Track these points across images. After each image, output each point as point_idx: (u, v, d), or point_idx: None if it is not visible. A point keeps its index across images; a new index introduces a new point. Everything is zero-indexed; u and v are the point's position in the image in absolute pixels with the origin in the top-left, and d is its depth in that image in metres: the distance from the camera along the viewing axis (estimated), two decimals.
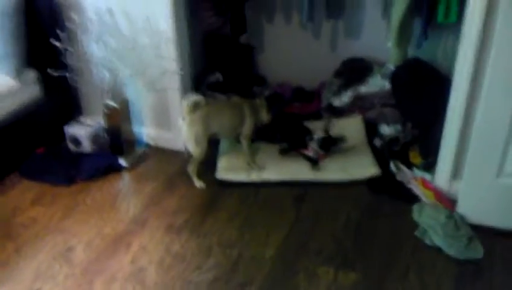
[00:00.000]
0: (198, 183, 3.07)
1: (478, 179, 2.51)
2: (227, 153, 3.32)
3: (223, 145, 3.41)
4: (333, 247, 2.57)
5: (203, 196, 3.01)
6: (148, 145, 3.55)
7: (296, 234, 2.67)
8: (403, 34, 3.03)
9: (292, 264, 2.46)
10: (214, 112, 3.05)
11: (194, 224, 2.77)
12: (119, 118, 3.30)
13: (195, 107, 2.95)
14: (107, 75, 3.19)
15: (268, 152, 3.30)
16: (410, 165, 3.05)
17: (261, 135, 3.32)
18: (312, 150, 3.15)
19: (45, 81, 3.35)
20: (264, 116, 3.20)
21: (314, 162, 3.12)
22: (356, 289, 2.32)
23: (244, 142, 3.19)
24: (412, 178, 2.91)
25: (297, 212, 2.83)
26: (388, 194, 2.89)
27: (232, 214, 2.84)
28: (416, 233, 2.59)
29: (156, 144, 3.54)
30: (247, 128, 3.14)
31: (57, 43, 3.05)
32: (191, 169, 3.07)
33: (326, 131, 3.23)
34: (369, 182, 2.99)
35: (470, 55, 2.46)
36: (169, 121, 3.42)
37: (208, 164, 3.17)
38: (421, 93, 3.06)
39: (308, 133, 3.23)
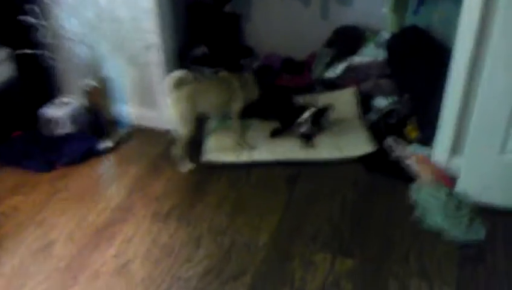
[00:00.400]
0: (185, 167, 2.91)
1: (480, 155, 2.38)
2: (215, 133, 3.15)
3: (210, 124, 3.23)
4: (329, 231, 2.44)
5: (191, 180, 2.86)
6: (131, 125, 3.36)
7: (290, 217, 2.54)
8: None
9: (287, 251, 2.34)
10: (201, 88, 2.86)
11: (182, 211, 2.63)
12: (99, 96, 3.11)
13: (180, 83, 2.75)
14: (84, 51, 2.98)
15: (259, 130, 3.14)
16: (407, 140, 2.91)
17: (252, 112, 3.14)
18: (305, 127, 3.00)
19: (18, 60, 3.12)
20: (254, 92, 3.02)
21: (308, 139, 2.98)
22: (354, 276, 2.20)
23: (234, 120, 3.02)
24: (410, 155, 2.77)
25: (291, 194, 2.69)
26: (385, 173, 2.76)
27: (221, 198, 2.69)
28: (416, 213, 2.48)
29: (140, 123, 3.35)
30: (237, 104, 2.96)
31: (30, 18, 2.83)
32: (177, 150, 2.90)
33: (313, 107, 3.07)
34: (364, 160, 2.85)
35: (473, 22, 2.29)
36: (153, 98, 3.22)
37: (194, 145, 3.00)
38: (419, 63, 2.88)
39: (301, 111, 3.06)
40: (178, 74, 2.77)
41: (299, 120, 3.02)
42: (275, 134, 3.09)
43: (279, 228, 2.48)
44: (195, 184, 2.82)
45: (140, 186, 2.83)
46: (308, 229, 2.46)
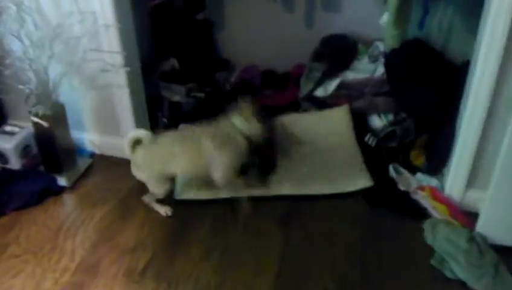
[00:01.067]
0: (163, 210, 2.50)
1: (507, 195, 2.07)
2: None
3: None
4: (335, 285, 2.10)
5: (169, 224, 2.45)
6: (92, 155, 2.91)
7: (289, 271, 2.17)
8: (402, 10, 2.48)
9: None
10: (163, 149, 2.40)
11: (161, 266, 2.21)
12: (52, 126, 2.63)
13: (136, 145, 2.41)
14: (32, 75, 2.49)
15: None
16: (411, 168, 2.59)
17: None
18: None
19: None
20: (255, 132, 2.43)
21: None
22: None
23: (226, 187, 2.47)
24: (417, 188, 2.45)
25: (286, 241, 2.32)
26: (389, 208, 2.43)
27: (207, 249, 2.29)
28: (433, 262, 2.16)
29: (102, 152, 2.91)
30: (217, 172, 2.40)
31: None
32: (148, 200, 2.52)
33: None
34: (365, 193, 2.51)
35: (499, 35, 1.96)
36: (117, 124, 2.79)
37: None
38: (425, 82, 2.55)
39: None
40: (133, 134, 2.42)
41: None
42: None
43: (278, 287, 2.11)
44: (174, 230, 2.41)
45: (108, 235, 2.39)
46: (311, 285, 2.10)
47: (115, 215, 2.50)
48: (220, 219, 2.45)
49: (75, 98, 2.74)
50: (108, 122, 2.81)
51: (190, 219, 2.46)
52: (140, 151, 2.40)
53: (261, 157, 2.59)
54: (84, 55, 2.50)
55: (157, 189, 2.45)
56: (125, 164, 2.82)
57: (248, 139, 2.39)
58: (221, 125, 2.42)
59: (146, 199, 2.52)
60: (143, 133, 2.39)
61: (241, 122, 2.40)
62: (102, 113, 2.79)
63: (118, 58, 2.52)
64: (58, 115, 2.64)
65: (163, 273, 2.18)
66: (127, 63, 2.56)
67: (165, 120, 2.98)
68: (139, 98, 2.78)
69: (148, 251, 2.30)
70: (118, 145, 2.82)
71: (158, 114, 2.98)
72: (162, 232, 2.40)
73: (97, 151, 2.91)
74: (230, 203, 2.51)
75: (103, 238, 2.38)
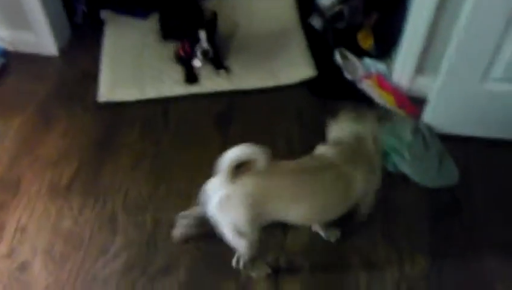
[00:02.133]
0: (260, 273, 1.74)
1: (458, 82, 1.90)
2: (109, 60, 2.44)
3: (107, 45, 2.51)
4: None
5: (93, 131, 2.23)
6: (5, 53, 2.56)
7: None
8: None
9: None
10: (278, 183, 1.48)
11: (87, 179, 2.05)
12: None
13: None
14: None
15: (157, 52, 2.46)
16: (358, 51, 2.37)
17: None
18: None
19: None
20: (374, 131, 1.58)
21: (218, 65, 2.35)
22: None
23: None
24: (364, 76, 2.25)
25: (224, 142, 2.14)
26: (335, 98, 2.24)
27: (137, 155, 2.12)
28: None
29: (16, 49, 2.56)
30: (367, 202, 1.66)
31: None
32: (243, 265, 1.70)
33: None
34: (309, 83, 2.30)
35: None
36: (25, 15, 2.41)
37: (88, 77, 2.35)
38: None
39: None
40: (240, 152, 1.37)
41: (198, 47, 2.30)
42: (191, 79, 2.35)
43: None
44: (101, 137, 2.20)
45: (28, 146, 2.18)
46: None
47: (34, 123, 2.26)
48: (150, 121, 2.24)
49: None
50: (15, 14, 2.42)
51: (117, 123, 2.24)
52: (253, 180, 1.44)
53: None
54: None
55: (252, 243, 1.55)
56: (41, 61, 2.53)
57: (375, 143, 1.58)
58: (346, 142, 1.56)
59: (241, 266, 1.70)
60: (257, 153, 1.39)
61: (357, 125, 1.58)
62: (6, 3, 2.39)
63: None
64: None
65: (90, 187, 2.02)
66: None
67: (83, 8, 2.59)
68: None
69: (72, 162, 2.11)
70: (31, 40, 2.50)
71: (75, 0, 2.59)
72: (86, 140, 2.19)
73: (10, 48, 2.56)
74: (161, 104, 2.30)
75: (22, 150, 2.16)
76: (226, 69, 2.34)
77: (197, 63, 2.34)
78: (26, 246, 1.86)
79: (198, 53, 2.29)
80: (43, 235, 1.88)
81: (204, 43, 2.25)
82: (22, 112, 2.31)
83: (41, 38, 2.47)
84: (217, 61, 2.36)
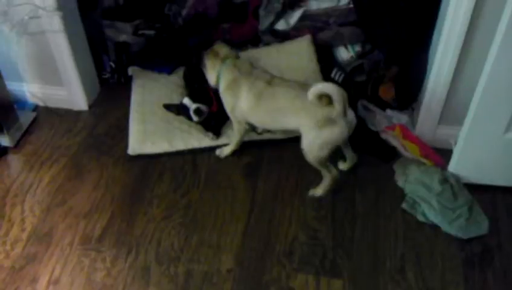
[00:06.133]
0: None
1: (482, 133, 1.95)
2: (140, 113, 2.51)
3: (135, 99, 2.58)
4: (307, 243, 1.99)
5: (124, 182, 2.27)
6: (36, 108, 2.65)
7: (256, 229, 2.05)
8: None
9: (259, 278, 1.89)
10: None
11: (119, 229, 2.07)
12: None
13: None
14: None
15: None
16: (380, 103, 2.44)
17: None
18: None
19: None
20: None
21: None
22: None
23: None
24: (387, 127, 2.31)
25: (253, 194, 2.18)
26: (359, 150, 2.28)
27: (168, 206, 2.15)
28: (404, 206, 2.07)
29: (46, 104, 2.64)
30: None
31: None
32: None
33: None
34: None
35: None
36: (57, 72, 2.51)
37: (117, 131, 2.45)
38: (396, 9, 2.31)
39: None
40: (319, 88, 1.92)
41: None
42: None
43: (245, 245, 2.00)
44: (132, 188, 2.24)
45: (60, 198, 2.21)
46: (280, 244, 1.99)
47: (66, 176, 2.31)
48: (179, 174, 2.29)
49: (8, 47, 2.43)
50: (48, 72, 2.52)
51: (147, 175, 2.29)
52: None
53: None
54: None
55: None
56: (72, 116, 2.61)
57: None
58: None
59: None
60: (331, 89, 1.89)
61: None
62: (39, 62, 2.49)
63: (49, 1, 2.20)
64: None
65: (122, 238, 2.04)
66: (61, 4, 2.24)
67: (112, 64, 2.70)
68: (80, 42, 2.50)
69: (104, 213, 2.14)
70: (62, 96, 2.59)
71: (104, 58, 2.69)
72: (118, 192, 2.22)
73: (41, 104, 2.65)
74: (190, 156, 2.35)
75: (55, 202, 2.20)
76: (216, 134, 2.38)
77: (194, 118, 2.38)
78: None
79: (191, 113, 2.34)
80: (76, 287, 1.89)
81: (192, 105, 2.32)
82: (54, 164, 2.36)
83: (72, 94, 2.56)
84: (216, 124, 2.41)
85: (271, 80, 2.12)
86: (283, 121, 2.10)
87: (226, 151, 2.32)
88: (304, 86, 2.01)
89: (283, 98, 2.07)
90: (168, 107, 2.43)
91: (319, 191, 2.14)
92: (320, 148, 1.99)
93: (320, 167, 2.08)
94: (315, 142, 1.99)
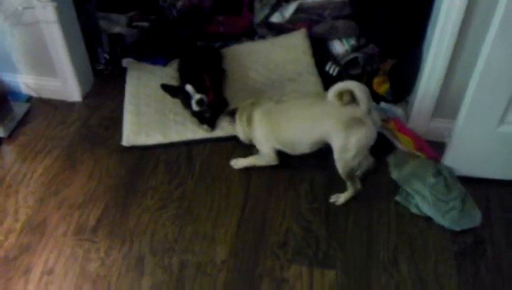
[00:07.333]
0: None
1: (475, 127, 1.96)
2: (134, 105, 2.51)
3: (129, 91, 2.58)
4: (300, 233, 2.01)
5: (119, 173, 2.26)
6: (29, 99, 2.63)
7: (250, 219, 2.06)
8: None
9: (252, 268, 1.89)
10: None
11: (114, 221, 2.07)
12: None
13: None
14: None
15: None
16: (375, 97, 2.44)
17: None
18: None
19: None
20: None
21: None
22: None
23: None
24: (382, 120, 2.32)
25: (247, 186, 2.19)
26: None
27: (162, 198, 2.15)
28: (398, 198, 2.09)
29: (40, 95, 2.63)
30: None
31: None
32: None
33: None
34: None
35: None
36: (52, 64, 2.50)
37: (111, 122, 2.44)
38: (391, 3, 2.32)
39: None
40: (342, 85, 1.84)
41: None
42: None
43: (239, 236, 2.00)
44: (126, 180, 2.23)
45: (54, 189, 2.21)
46: (274, 236, 2.00)
47: (60, 167, 2.30)
48: (174, 165, 2.29)
49: (1, 37, 2.42)
50: (42, 63, 2.51)
51: (141, 166, 2.29)
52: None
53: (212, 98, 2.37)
54: None
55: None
56: (66, 107, 2.60)
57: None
58: None
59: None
60: (354, 86, 1.82)
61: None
62: (33, 53, 2.48)
63: None
64: None
65: (116, 228, 2.04)
66: None
67: (106, 55, 2.68)
68: (74, 33, 2.48)
69: (98, 204, 2.14)
70: (56, 87, 2.58)
71: (98, 49, 2.68)
72: (112, 183, 2.22)
73: (34, 95, 2.63)
74: (185, 147, 2.35)
75: (48, 193, 2.19)
76: (211, 126, 2.38)
77: (195, 108, 2.35)
78: (53, 288, 1.86)
79: (193, 102, 2.30)
80: (70, 277, 1.89)
81: (195, 94, 2.29)
82: (48, 155, 2.36)
83: (66, 85, 2.55)
84: (211, 116, 2.40)
85: (279, 98, 2.09)
86: (306, 133, 2.01)
87: (240, 163, 2.25)
88: (314, 95, 1.99)
89: (297, 108, 2.01)
90: (165, 87, 2.35)
91: (341, 199, 2.08)
92: (354, 153, 1.90)
93: (348, 179, 2.01)
94: (346, 146, 1.89)
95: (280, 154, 2.19)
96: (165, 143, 2.35)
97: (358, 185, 2.06)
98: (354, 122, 1.85)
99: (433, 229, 2.00)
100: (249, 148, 2.27)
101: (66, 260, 1.94)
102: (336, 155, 1.94)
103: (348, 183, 2.04)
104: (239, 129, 2.21)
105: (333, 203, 2.09)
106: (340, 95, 1.83)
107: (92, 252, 1.96)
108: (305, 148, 2.09)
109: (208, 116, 2.37)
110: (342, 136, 1.88)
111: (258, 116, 2.10)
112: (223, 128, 2.37)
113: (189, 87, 2.27)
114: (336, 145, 1.92)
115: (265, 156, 2.18)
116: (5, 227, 2.06)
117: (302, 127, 2.00)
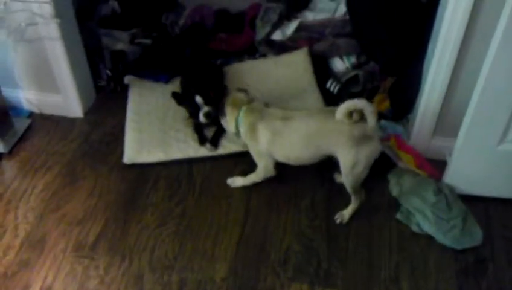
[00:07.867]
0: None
1: (476, 145, 1.96)
2: (136, 122, 2.52)
3: (131, 108, 2.58)
4: (301, 251, 2.00)
5: (119, 190, 2.26)
6: (31, 115, 2.64)
7: (251, 237, 2.05)
8: None
9: (253, 286, 1.88)
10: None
11: (113, 237, 2.06)
12: None
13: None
14: None
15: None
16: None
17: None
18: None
19: None
20: None
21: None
22: None
23: None
24: (382, 138, 2.32)
25: (248, 203, 2.18)
26: None
27: (162, 215, 2.14)
28: (399, 217, 2.08)
29: (41, 111, 2.64)
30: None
31: None
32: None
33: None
34: None
35: None
36: (53, 79, 2.51)
37: (112, 139, 2.44)
38: (391, 22, 2.34)
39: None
40: (351, 104, 1.84)
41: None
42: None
43: (239, 255, 1.99)
44: (127, 196, 2.23)
45: (54, 205, 2.20)
46: (275, 253, 1.99)
47: (60, 183, 2.30)
48: (174, 182, 2.28)
49: (4, 53, 2.44)
50: (44, 79, 2.52)
51: (142, 183, 2.28)
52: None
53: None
54: (6, 6, 2.18)
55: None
56: (67, 123, 2.61)
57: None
58: None
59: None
60: (363, 104, 1.83)
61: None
62: (36, 69, 2.49)
63: (47, 8, 2.21)
64: None
65: (116, 245, 2.03)
66: (58, 12, 2.25)
67: (108, 72, 2.70)
68: (76, 49, 2.50)
69: (98, 220, 2.13)
70: (58, 102, 2.59)
71: (100, 66, 2.70)
72: (112, 199, 2.21)
73: (36, 110, 2.64)
74: (186, 164, 2.35)
75: (48, 209, 2.19)
76: (214, 145, 2.38)
77: (202, 119, 2.35)
78: None
79: (201, 114, 2.31)
80: None
81: (204, 106, 2.30)
82: (48, 171, 2.36)
83: (68, 101, 2.56)
84: (214, 135, 2.41)
85: (285, 114, 2.05)
86: (315, 151, 2.02)
87: (238, 182, 2.26)
88: (318, 110, 2.02)
89: (306, 127, 1.99)
90: (175, 94, 2.35)
91: (345, 216, 2.08)
92: (364, 168, 1.93)
93: (355, 193, 2.02)
94: (357, 162, 1.91)
95: (279, 168, 2.19)
96: (166, 161, 2.36)
97: (363, 196, 2.07)
98: (364, 139, 1.88)
99: (434, 247, 1.99)
100: (250, 166, 2.28)
101: (65, 276, 1.93)
102: (346, 171, 1.96)
103: (353, 197, 2.05)
104: (229, 123, 2.17)
105: (339, 222, 2.08)
106: (350, 113, 1.85)
107: (91, 269, 1.95)
108: (308, 162, 2.11)
109: (204, 134, 2.37)
110: (354, 153, 1.90)
111: (263, 131, 2.06)
112: (225, 147, 2.38)
113: (199, 99, 2.28)
114: (347, 162, 1.94)
115: (263, 169, 2.18)
116: (4, 243, 2.06)
117: (311, 146, 2.01)
